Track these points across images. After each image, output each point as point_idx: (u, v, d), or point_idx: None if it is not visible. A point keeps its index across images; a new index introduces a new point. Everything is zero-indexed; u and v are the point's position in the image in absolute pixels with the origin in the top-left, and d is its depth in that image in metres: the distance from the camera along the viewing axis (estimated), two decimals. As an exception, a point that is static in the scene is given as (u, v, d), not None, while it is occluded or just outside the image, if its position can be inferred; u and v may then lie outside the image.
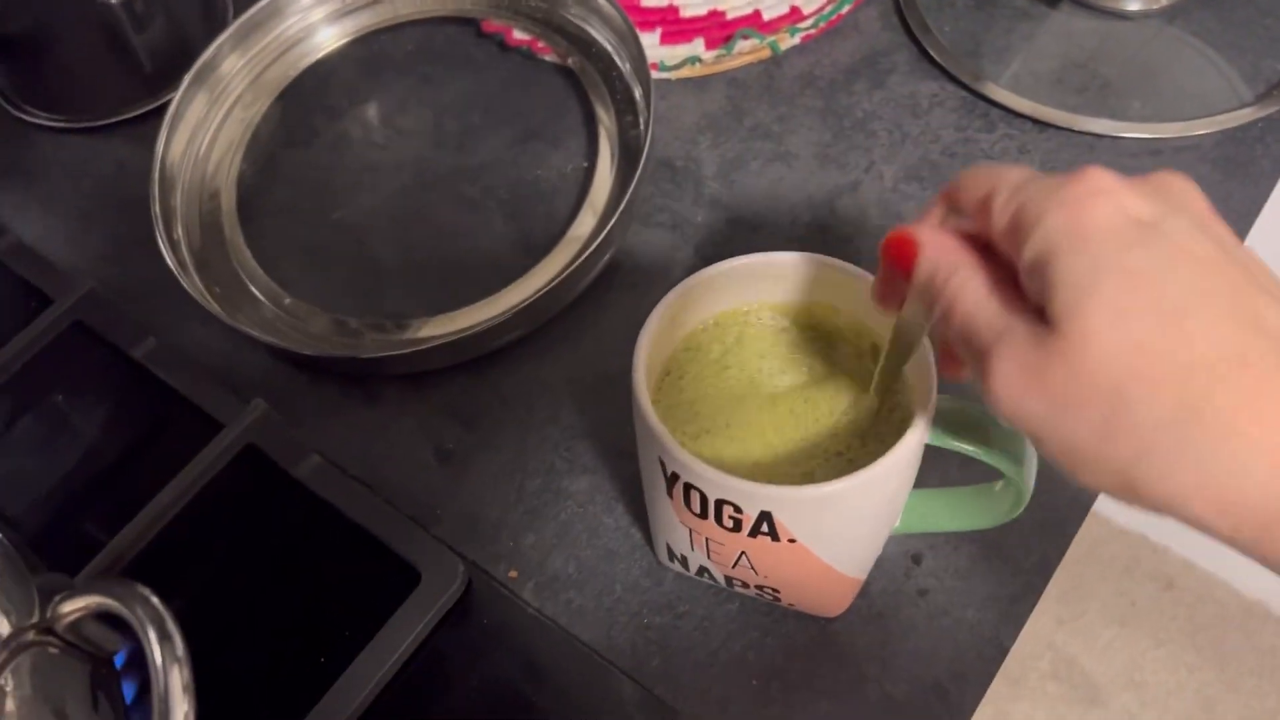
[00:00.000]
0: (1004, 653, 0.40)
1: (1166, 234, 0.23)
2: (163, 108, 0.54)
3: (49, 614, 0.28)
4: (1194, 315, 0.22)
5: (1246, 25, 0.57)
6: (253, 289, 0.51)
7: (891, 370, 0.33)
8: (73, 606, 0.28)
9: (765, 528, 0.32)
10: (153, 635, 0.26)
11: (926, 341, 0.32)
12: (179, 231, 0.51)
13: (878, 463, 0.31)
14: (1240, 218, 0.49)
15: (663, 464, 0.33)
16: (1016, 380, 0.24)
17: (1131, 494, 0.23)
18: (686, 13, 0.57)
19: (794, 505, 0.32)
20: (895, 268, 0.28)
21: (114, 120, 0.58)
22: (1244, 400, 0.21)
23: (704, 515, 0.33)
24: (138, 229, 0.51)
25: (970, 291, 0.25)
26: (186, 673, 0.26)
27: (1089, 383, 0.23)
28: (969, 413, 0.33)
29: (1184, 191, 0.25)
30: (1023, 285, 0.25)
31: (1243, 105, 0.53)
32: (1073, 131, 0.53)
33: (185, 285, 0.47)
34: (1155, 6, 0.57)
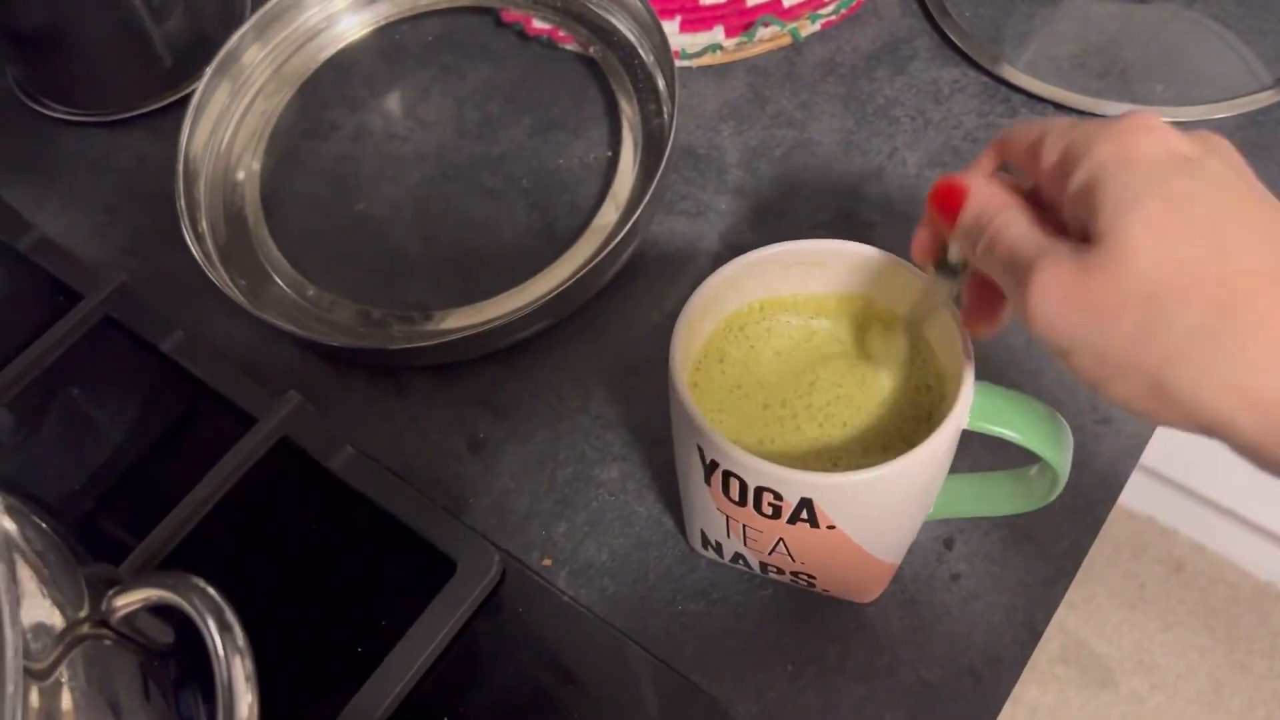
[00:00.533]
0: (1037, 636, 0.40)
1: (1206, 168, 0.25)
2: (182, 101, 0.54)
3: (103, 606, 0.28)
4: (1230, 234, 0.24)
5: (1266, 8, 0.56)
6: (278, 280, 0.51)
7: (915, 322, 0.35)
8: (128, 599, 0.28)
9: (805, 514, 0.33)
10: (214, 627, 0.26)
11: (961, 330, 0.32)
12: (204, 224, 0.51)
13: (919, 448, 0.31)
14: (1264, 201, 0.49)
15: (701, 452, 0.33)
16: (1056, 292, 0.25)
17: (1160, 399, 0.25)
18: (706, 0, 0.57)
19: (836, 492, 0.32)
20: (941, 212, 0.30)
21: (134, 114, 0.58)
22: (1275, 308, 0.24)
23: (743, 503, 0.34)
24: (160, 222, 0.51)
25: (1015, 224, 0.27)
26: (249, 664, 0.26)
27: (1126, 292, 0.24)
28: (1007, 397, 0.33)
29: (1224, 143, 0.27)
30: (1066, 215, 0.27)
31: (1263, 88, 0.53)
32: (1095, 116, 0.53)
33: (212, 278, 0.47)
34: (1175, -10, 0.57)
